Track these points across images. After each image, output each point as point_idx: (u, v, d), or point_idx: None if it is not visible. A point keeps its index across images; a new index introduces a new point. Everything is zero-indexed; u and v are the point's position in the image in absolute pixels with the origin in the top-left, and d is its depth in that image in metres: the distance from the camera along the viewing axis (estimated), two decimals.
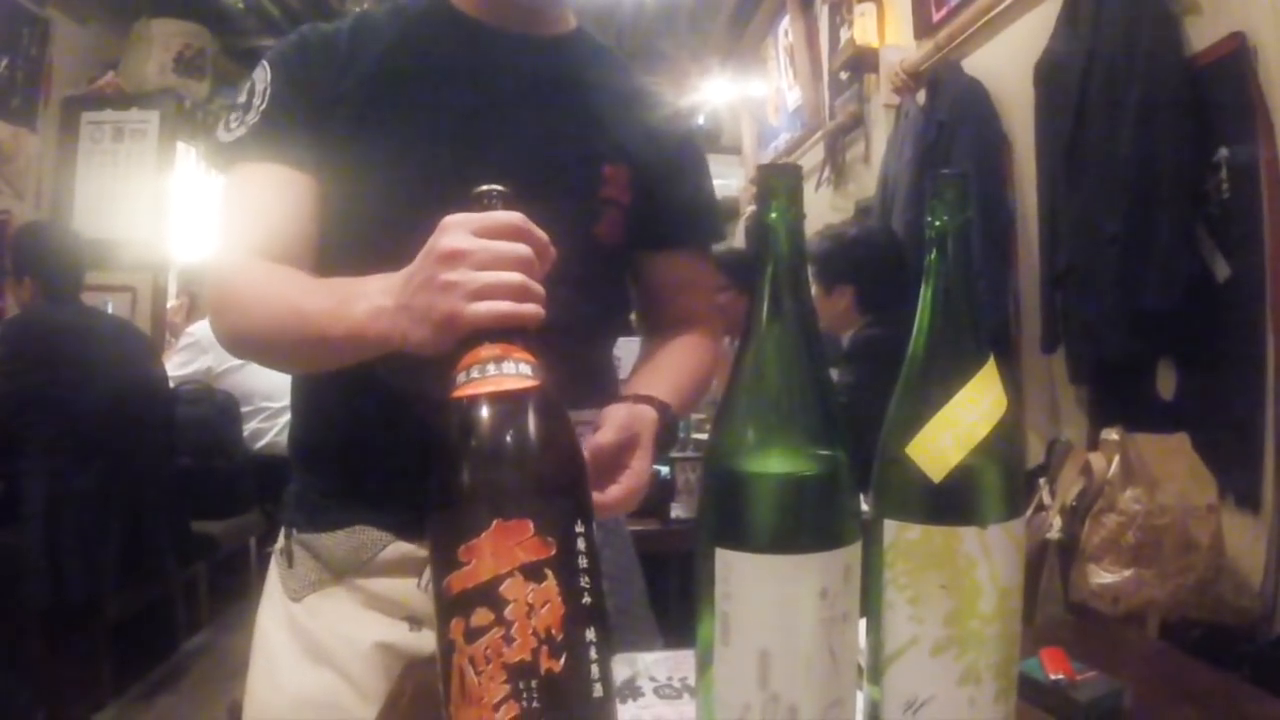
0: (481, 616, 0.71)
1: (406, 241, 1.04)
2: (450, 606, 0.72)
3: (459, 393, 0.78)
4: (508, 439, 0.76)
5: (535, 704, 0.69)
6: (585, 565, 0.75)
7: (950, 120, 3.43)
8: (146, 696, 3.88)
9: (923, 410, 0.76)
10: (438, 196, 1.11)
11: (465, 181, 1.03)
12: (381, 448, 1.20)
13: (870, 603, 0.78)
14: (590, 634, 0.73)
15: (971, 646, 0.75)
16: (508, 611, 0.70)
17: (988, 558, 0.74)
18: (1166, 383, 2.58)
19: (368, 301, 0.96)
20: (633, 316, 1.47)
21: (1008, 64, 3.27)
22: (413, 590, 1.21)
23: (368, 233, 1.17)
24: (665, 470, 2.67)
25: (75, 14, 5.54)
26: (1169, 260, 2.36)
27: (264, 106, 1.18)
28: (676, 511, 2.56)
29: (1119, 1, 2.53)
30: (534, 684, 0.70)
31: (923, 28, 4.00)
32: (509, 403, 0.77)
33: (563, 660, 0.71)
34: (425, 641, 1.21)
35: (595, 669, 0.73)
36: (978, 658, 0.75)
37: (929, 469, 0.74)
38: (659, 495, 2.61)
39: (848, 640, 0.73)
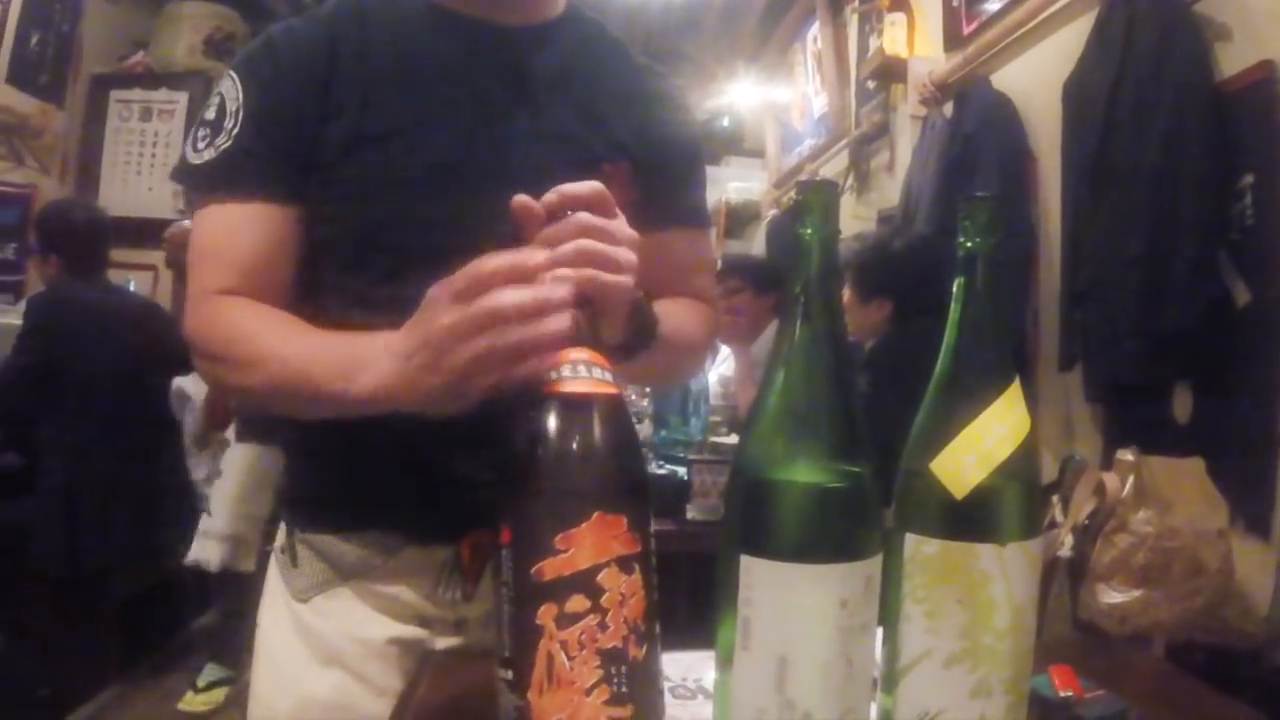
0: (578, 603, 0.73)
1: (412, 254, 1.08)
2: (539, 592, 0.74)
3: (559, 388, 0.79)
4: (611, 439, 0.79)
5: (624, 689, 0.73)
6: (654, 563, 0.79)
7: (976, 134, 3.43)
8: (152, 674, 3.90)
9: (947, 427, 0.77)
10: (441, 209, 1.13)
11: (465, 194, 1.08)
12: (395, 451, 1.14)
13: (887, 613, 0.79)
14: (658, 628, 0.78)
15: (985, 661, 0.76)
16: (604, 600, 0.73)
17: (1004, 575, 0.75)
18: (1182, 406, 2.58)
19: (378, 370, 0.92)
20: None
21: (1036, 81, 3.27)
22: (425, 594, 1.20)
23: (367, 248, 1.14)
24: (682, 472, 2.69)
25: None
26: (1190, 284, 2.36)
27: (236, 130, 1.12)
28: (692, 513, 2.57)
29: (1150, 24, 2.53)
30: (624, 670, 0.73)
31: (952, 40, 4.00)
32: (608, 405, 0.80)
33: (645, 649, 0.75)
34: (439, 640, 1.22)
35: (661, 660, 0.78)
36: (990, 672, 0.76)
37: (951, 486, 0.76)
38: (675, 496, 2.62)
39: (865, 650, 0.74)
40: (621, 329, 1.04)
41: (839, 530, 0.73)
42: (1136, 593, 2.08)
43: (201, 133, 1.14)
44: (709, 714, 0.79)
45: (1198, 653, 2.14)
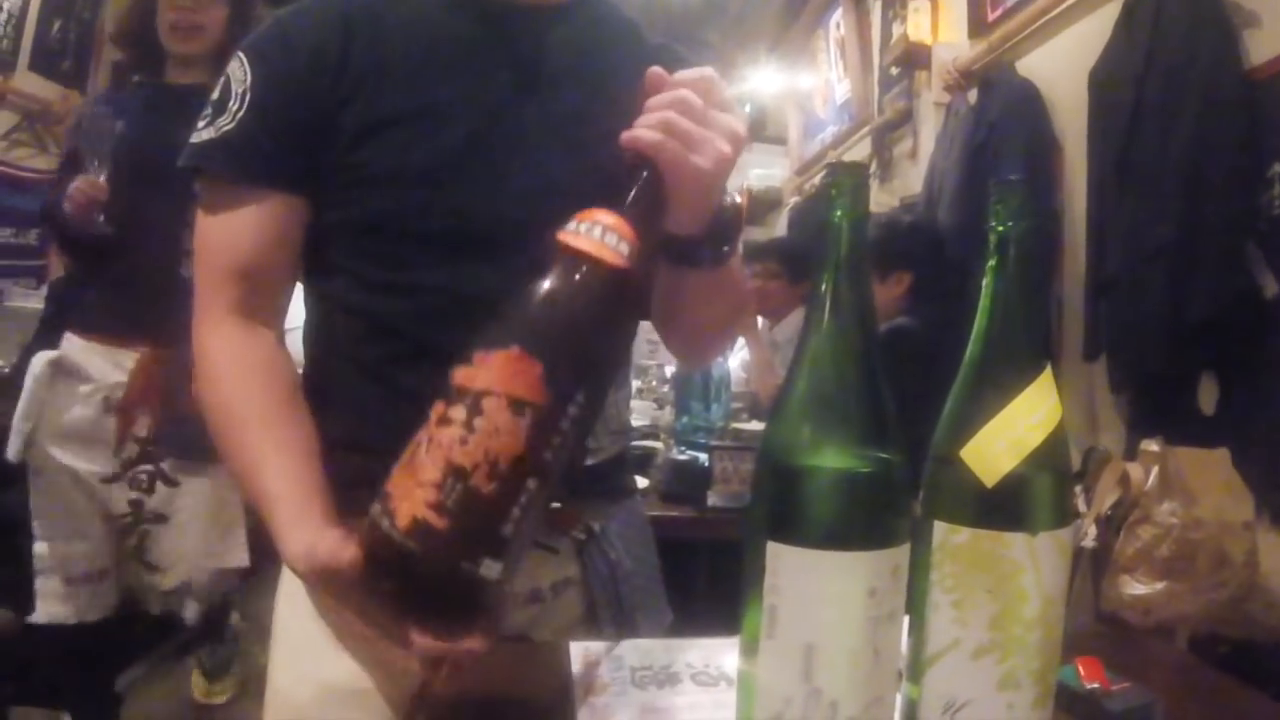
0: (457, 413, 0.78)
1: (424, 240, 1.13)
2: (445, 390, 0.80)
3: (566, 238, 0.83)
4: (579, 299, 0.82)
5: (449, 504, 0.76)
6: (563, 431, 0.80)
7: (1000, 121, 3.41)
8: (177, 655, 3.91)
9: (978, 414, 0.77)
10: (454, 194, 1.13)
11: (477, 178, 1.11)
12: (399, 431, 1.13)
13: (914, 602, 0.78)
14: (531, 485, 0.79)
15: (1013, 651, 0.75)
16: (477, 421, 0.77)
17: (1034, 564, 0.74)
18: (1208, 397, 2.56)
19: (306, 547, 0.98)
20: None
21: (1061, 68, 3.25)
22: None
23: (380, 234, 1.14)
24: (703, 458, 2.67)
25: None
26: (1217, 274, 2.34)
27: (241, 113, 1.10)
28: (713, 500, 2.56)
29: (1178, 11, 2.51)
30: (459, 488, 0.76)
31: (977, 27, 3.97)
32: (598, 269, 0.82)
33: (492, 488, 0.77)
34: None
35: (516, 513, 0.79)
36: (1019, 663, 0.75)
37: (982, 474, 0.75)
38: (696, 482, 2.62)
39: (892, 639, 0.73)
40: (695, 220, 1.04)
41: (868, 517, 0.72)
42: (1160, 585, 2.06)
43: (206, 113, 1.13)
44: (732, 702, 0.79)
45: (1222, 645, 2.13)
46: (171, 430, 2.58)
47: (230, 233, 1.13)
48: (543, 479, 0.80)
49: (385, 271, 1.14)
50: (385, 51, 1.14)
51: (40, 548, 2.59)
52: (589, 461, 1.24)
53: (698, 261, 1.12)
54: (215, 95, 1.13)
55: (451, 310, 1.09)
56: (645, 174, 0.92)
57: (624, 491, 1.37)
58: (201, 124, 1.12)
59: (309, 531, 0.99)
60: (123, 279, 2.63)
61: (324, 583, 0.98)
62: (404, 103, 1.13)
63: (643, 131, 0.94)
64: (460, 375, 0.79)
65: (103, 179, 2.50)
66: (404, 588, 0.81)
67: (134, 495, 2.61)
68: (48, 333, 2.86)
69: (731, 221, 1.11)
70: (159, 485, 2.64)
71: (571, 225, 0.84)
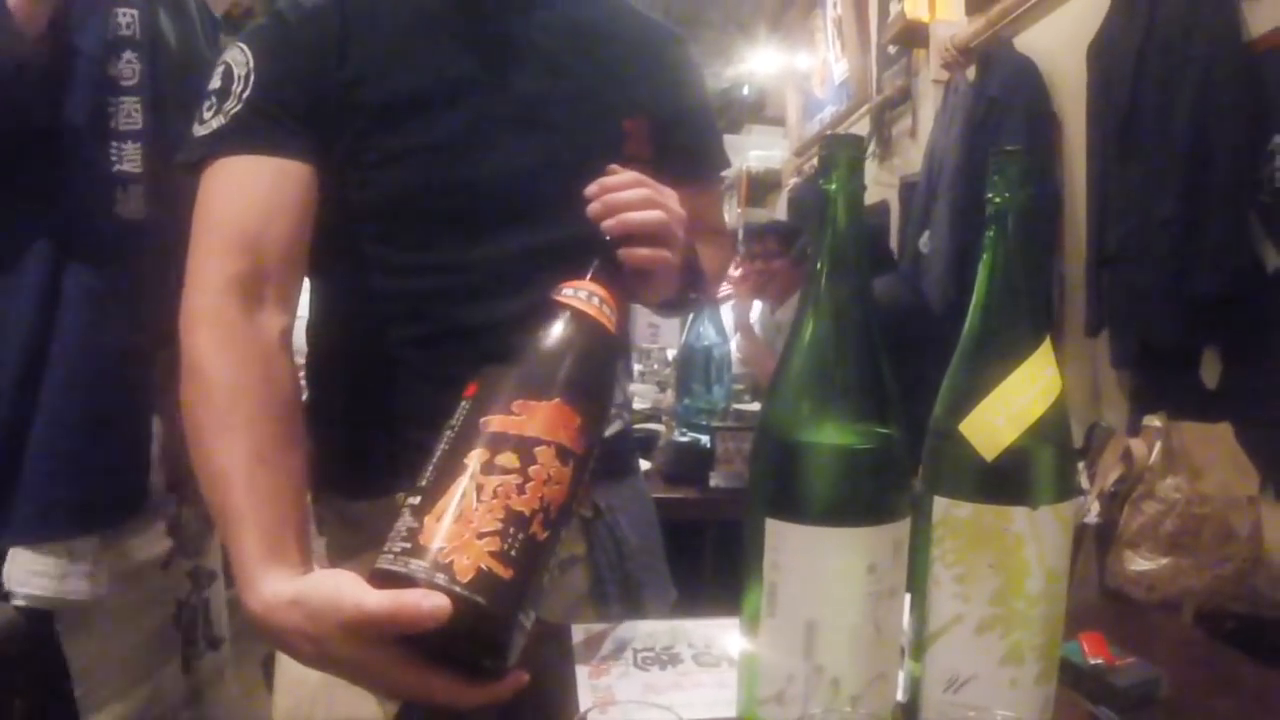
0: (509, 459, 0.78)
1: (443, 219, 1.14)
2: (479, 438, 0.80)
3: (562, 298, 0.90)
4: (591, 356, 0.88)
5: (513, 553, 0.76)
6: (584, 481, 0.85)
7: (1000, 97, 3.40)
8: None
9: (977, 387, 0.76)
10: (470, 171, 1.15)
11: (492, 155, 1.11)
12: (426, 412, 1.04)
13: (915, 578, 0.78)
14: (563, 533, 0.82)
15: (1016, 626, 0.75)
16: (533, 470, 0.78)
17: (1037, 538, 0.74)
18: (1210, 371, 2.55)
19: (269, 600, 0.87)
20: None
21: (1060, 43, 3.24)
22: None
23: (400, 215, 1.14)
24: (705, 439, 2.67)
25: None
26: (1220, 247, 2.33)
27: (247, 93, 1.08)
28: (715, 481, 2.55)
29: None
30: (521, 537, 0.76)
31: (974, 3, 3.95)
32: (599, 331, 0.90)
33: (546, 535, 0.79)
34: None
35: (552, 561, 0.82)
36: (1022, 638, 0.75)
37: (982, 447, 0.74)
38: (698, 464, 2.61)
39: (893, 615, 0.73)
40: (668, 293, 1.12)
41: (867, 493, 0.72)
42: (1165, 560, 2.06)
43: (207, 104, 1.10)
44: (734, 682, 0.78)
45: (1227, 620, 2.13)
46: None
47: (237, 199, 1.06)
48: (569, 525, 0.83)
49: (406, 252, 1.15)
50: (387, 35, 1.15)
51: None
52: None
53: (674, 308, 1.23)
54: (216, 85, 1.11)
55: (473, 287, 1.13)
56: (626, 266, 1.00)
57: (628, 469, 1.38)
58: (207, 114, 1.09)
59: (285, 576, 0.88)
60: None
61: (294, 635, 0.86)
62: (414, 83, 1.14)
63: (643, 252, 1.01)
64: (501, 422, 0.80)
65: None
66: (454, 644, 0.77)
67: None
68: None
69: (695, 274, 1.18)
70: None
71: (570, 291, 0.90)
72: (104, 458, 1.43)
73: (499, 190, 1.15)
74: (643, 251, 1.01)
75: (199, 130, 1.09)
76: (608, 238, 1.00)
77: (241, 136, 1.07)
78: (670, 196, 1.06)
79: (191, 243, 1.05)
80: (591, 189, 1.04)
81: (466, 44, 1.18)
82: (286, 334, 1.05)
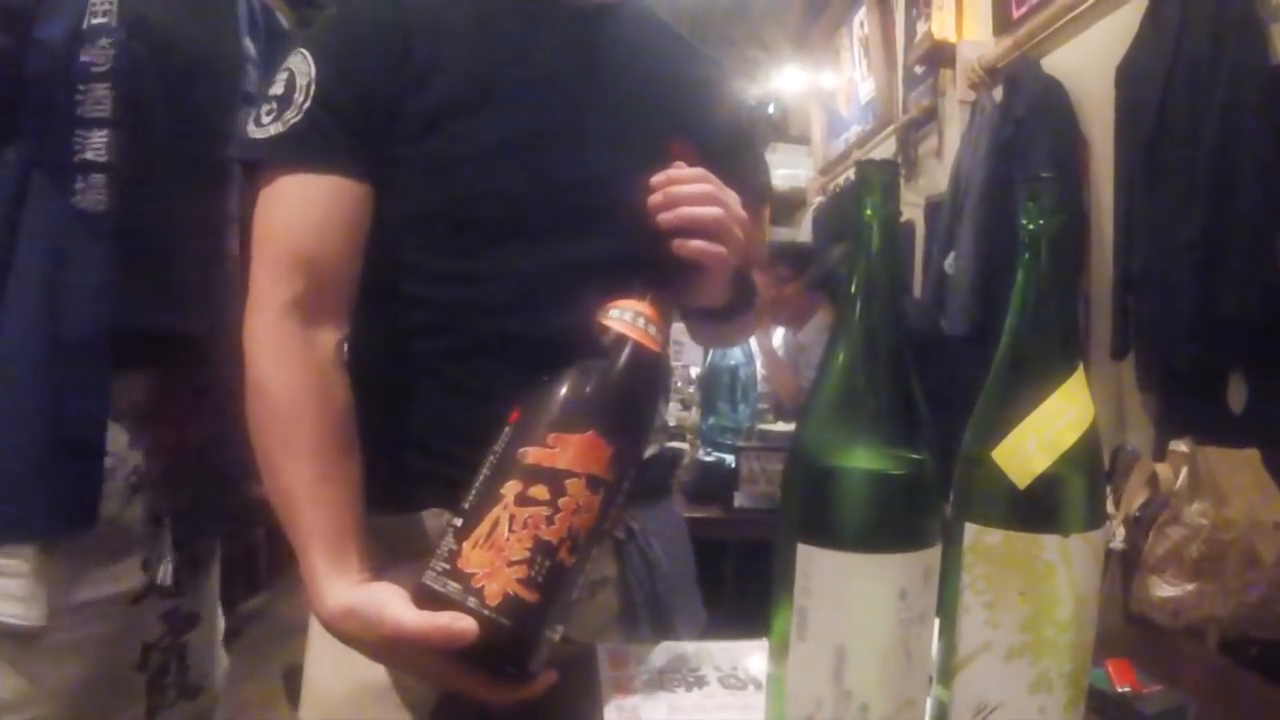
0: (540, 491, 0.84)
1: (488, 228, 1.14)
2: (516, 469, 0.86)
3: (617, 325, 0.93)
4: (633, 384, 0.92)
5: (540, 579, 0.83)
6: (617, 504, 0.90)
7: (1026, 118, 3.39)
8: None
9: (1010, 414, 0.76)
10: (518, 180, 1.15)
11: (540, 165, 1.13)
12: (459, 426, 1.12)
13: (945, 604, 0.78)
14: (594, 553, 0.89)
15: (1046, 654, 0.74)
16: (562, 501, 0.84)
17: (1068, 566, 0.74)
18: (1237, 396, 2.53)
19: (320, 606, 0.99)
20: None
21: (1087, 64, 3.23)
22: None
23: (445, 223, 1.15)
24: (730, 459, 2.67)
25: None
26: (1247, 270, 2.32)
27: (307, 104, 1.10)
28: (740, 501, 2.55)
29: (1205, 6, 2.49)
30: (548, 564, 0.83)
31: (1002, 24, 3.95)
32: (643, 356, 0.93)
33: (574, 560, 0.85)
34: None
35: (581, 580, 0.89)
36: (1051, 665, 0.75)
37: (1014, 475, 0.74)
38: (723, 483, 2.61)
39: (923, 641, 0.73)
40: (720, 296, 1.15)
41: (900, 519, 0.72)
42: (1190, 586, 2.05)
43: (267, 107, 1.12)
44: (760, 704, 0.78)
45: (1252, 647, 2.11)
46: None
47: (295, 219, 1.10)
48: (601, 545, 0.90)
49: (447, 261, 1.15)
50: (444, 45, 1.16)
51: None
52: None
53: (721, 320, 1.24)
54: (279, 90, 1.12)
55: (509, 299, 1.14)
56: (677, 267, 1.04)
57: (662, 491, 1.38)
58: (266, 119, 1.12)
59: (345, 587, 0.98)
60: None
61: (354, 639, 0.98)
62: (464, 92, 1.15)
63: (697, 244, 1.04)
64: (535, 455, 0.85)
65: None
66: (481, 656, 0.86)
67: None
68: None
69: (747, 288, 1.22)
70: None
71: (615, 313, 0.94)
72: (38, 458, 1.31)
73: (539, 202, 1.15)
74: (695, 244, 1.03)
75: (255, 132, 1.12)
76: (661, 233, 1.03)
77: (300, 150, 1.09)
78: (732, 197, 1.08)
79: (253, 259, 1.10)
80: (657, 179, 1.06)
81: (522, 56, 1.19)
82: (341, 345, 1.11)
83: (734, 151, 1.34)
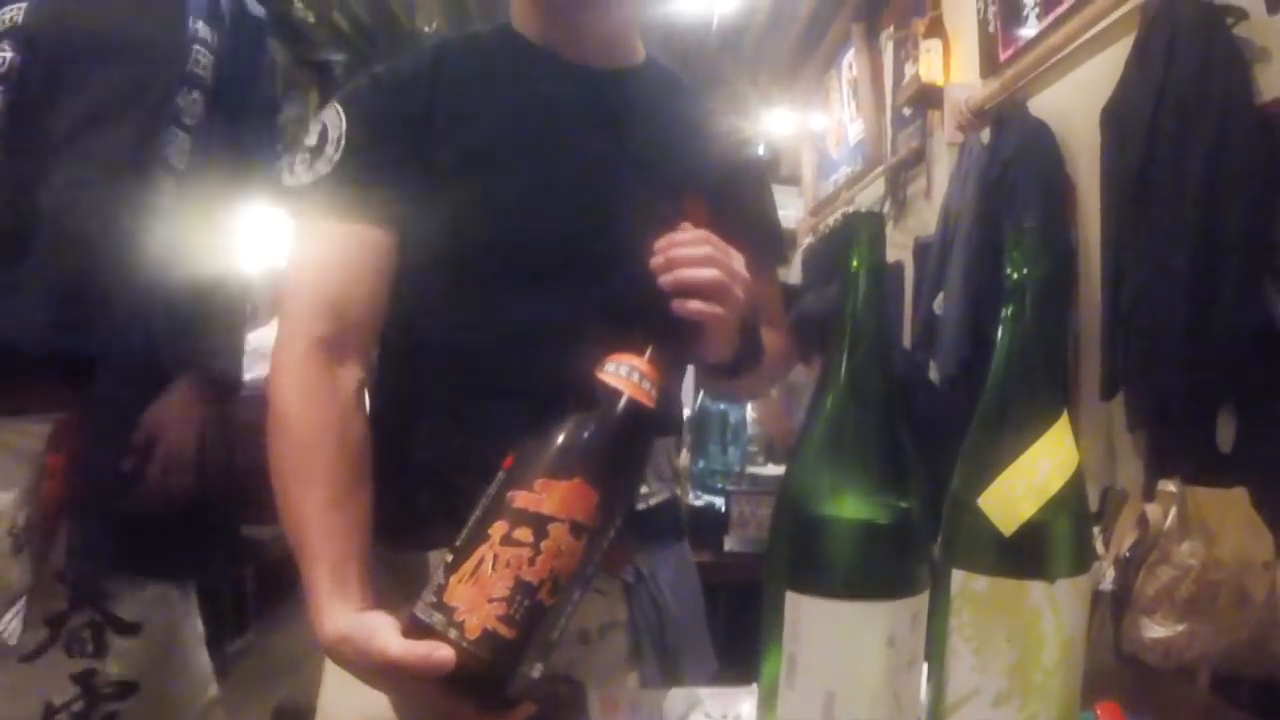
0: (524, 534, 0.87)
1: (505, 279, 1.18)
2: (504, 511, 0.89)
3: (611, 380, 0.95)
4: (622, 435, 0.94)
5: (518, 617, 0.86)
6: (605, 546, 0.92)
7: (1014, 159, 3.40)
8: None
9: (995, 461, 0.77)
10: (533, 233, 1.19)
11: (555, 218, 1.16)
12: (476, 466, 1.08)
13: (934, 649, 0.78)
14: (577, 596, 0.91)
15: (1034, 698, 0.75)
16: (544, 544, 0.86)
17: (1054, 611, 0.74)
18: (1225, 435, 2.54)
19: (330, 633, 1.00)
20: None
21: (1074, 106, 3.25)
22: None
23: (462, 273, 1.19)
24: (720, 503, 2.67)
25: None
26: (1235, 309, 2.33)
27: (337, 157, 1.17)
28: (730, 544, 2.55)
29: (1191, 47, 2.51)
30: (527, 604, 0.86)
31: (989, 66, 3.98)
32: (634, 409, 0.94)
33: (554, 601, 0.87)
34: None
35: (563, 621, 0.90)
36: (1039, 710, 0.75)
37: (1000, 522, 0.75)
38: (714, 527, 2.61)
39: (912, 686, 0.73)
40: (726, 353, 1.16)
41: (888, 567, 0.73)
42: (1181, 626, 2.05)
43: (301, 157, 1.18)
44: None
45: (1243, 686, 2.11)
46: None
47: (324, 264, 1.16)
48: (585, 589, 0.92)
49: (463, 306, 1.19)
50: (466, 100, 1.22)
51: None
52: (640, 506, 1.25)
53: (729, 376, 1.23)
54: (313, 142, 1.19)
55: (528, 342, 1.16)
56: (679, 324, 1.06)
57: (674, 535, 1.39)
58: (299, 168, 1.18)
59: (343, 613, 1.01)
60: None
61: (349, 664, 1.00)
62: (484, 145, 1.20)
63: (695, 304, 1.05)
64: (523, 499, 0.88)
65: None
66: (460, 686, 0.88)
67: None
68: None
69: (754, 345, 1.24)
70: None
71: (611, 367, 0.96)
72: None
73: (554, 252, 1.19)
74: (694, 304, 1.05)
75: (290, 181, 1.19)
76: (665, 292, 1.06)
77: (329, 200, 1.16)
78: (735, 257, 1.10)
79: (284, 300, 1.17)
80: (660, 243, 1.08)
81: (540, 113, 1.23)
82: (362, 385, 1.16)
83: (748, 212, 1.38)
